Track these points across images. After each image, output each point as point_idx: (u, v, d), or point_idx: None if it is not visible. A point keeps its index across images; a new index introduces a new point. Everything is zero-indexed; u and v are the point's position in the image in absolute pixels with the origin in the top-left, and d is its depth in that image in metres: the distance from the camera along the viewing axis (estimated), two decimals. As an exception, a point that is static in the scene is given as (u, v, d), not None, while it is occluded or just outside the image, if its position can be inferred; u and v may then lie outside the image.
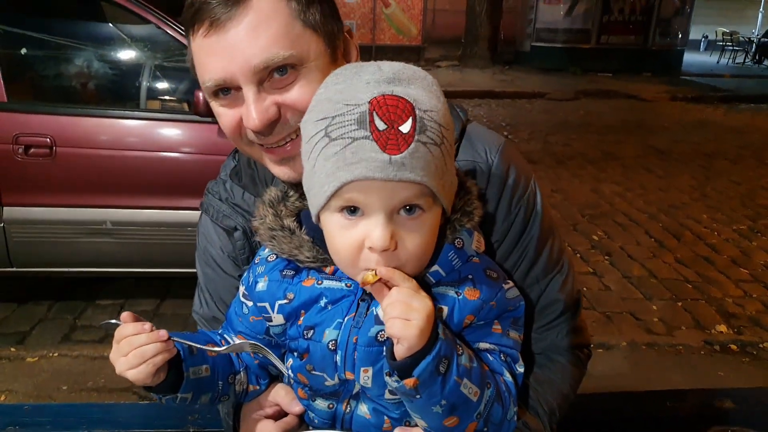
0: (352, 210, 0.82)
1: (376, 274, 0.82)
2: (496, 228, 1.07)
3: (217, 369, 1.02)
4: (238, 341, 1.04)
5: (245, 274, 1.05)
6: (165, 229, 3.34)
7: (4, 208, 3.22)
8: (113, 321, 0.92)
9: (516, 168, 1.10)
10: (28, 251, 3.36)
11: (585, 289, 4.22)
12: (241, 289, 1.05)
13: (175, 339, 0.93)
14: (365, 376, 0.92)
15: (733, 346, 3.51)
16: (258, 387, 1.09)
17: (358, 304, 0.92)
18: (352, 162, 0.78)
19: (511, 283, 0.97)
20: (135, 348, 0.88)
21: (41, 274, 3.57)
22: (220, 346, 1.02)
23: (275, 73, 0.95)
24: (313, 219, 0.90)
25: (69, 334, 3.52)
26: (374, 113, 0.78)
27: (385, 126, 0.78)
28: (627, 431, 1.46)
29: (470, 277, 0.93)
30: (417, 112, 0.80)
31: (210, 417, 1.42)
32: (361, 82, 0.82)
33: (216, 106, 1.03)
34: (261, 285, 0.99)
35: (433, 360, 0.81)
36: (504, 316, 0.96)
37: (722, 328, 3.78)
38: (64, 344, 3.40)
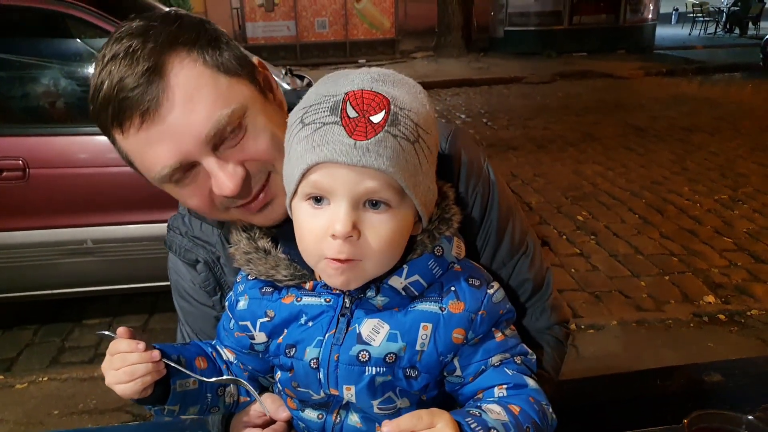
0: (318, 199, 0.83)
1: None
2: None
3: (205, 382, 1.01)
4: (228, 355, 1.06)
5: (228, 294, 1.06)
6: (148, 243, 3.29)
7: (-19, 234, 3.15)
8: (107, 333, 0.93)
9: (467, 154, 1.09)
10: (10, 276, 3.29)
11: (573, 270, 4.24)
12: (226, 305, 1.05)
13: (166, 361, 0.93)
14: (348, 393, 0.91)
15: (722, 316, 3.55)
16: (249, 398, 1.09)
17: (338, 319, 0.91)
18: (319, 144, 0.79)
19: (496, 286, 0.97)
20: (126, 365, 0.88)
21: (25, 298, 3.49)
22: (210, 358, 1.04)
23: (226, 133, 0.93)
24: (288, 211, 0.90)
25: (57, 357, 3.47)
26: (348, 102, 0.79)
27: (356, 114, 0.79)
28: (616, 414, 1.46)
29: (453, 289, 0.91)
30: (392, 107, 0.80)
31: (201, 433, 1.41)
32: (347, 80, 0.83)
33: (176, 191, 0.99)
34: (242, 303, 0.99)
35: None
36: (499, 321, 0.95)
37: (710, 298, 3.82)
38: (53, 367, 3.35)
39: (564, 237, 4.82)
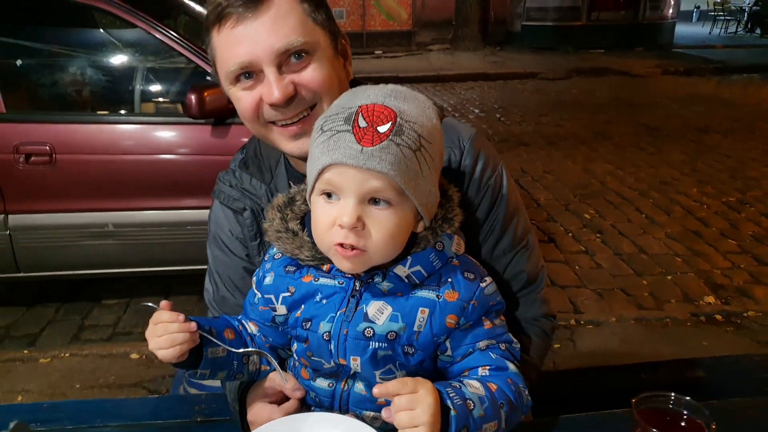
0: (330, 195, 0.97)
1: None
2: (467, 206, 1.20)
3: (233, 352, 1.15)
4: (252, 328, 1.19)
5: (257, 270, 1.19)
6: (165, 228, 3.44)
7: (9, 215, 3.32)
8: (151, 305, 1.07)
9: (485, 154, 1.26)
10: (34, 256, 3.47)
11: (577, 267, 4.33)
12: (254, 280, 1.19)
13: (200, 331, 1.07)
14: (355, 364, 1.05)
15: (719, 317, 3.62)
16: (269, 367, 1.21)
17: (349, 300, 1.05)
18: (333, 149, 0.94)
19: (489, 280, 1.09)
20: (168, 333, 1.02)
21: (48, 277, 3.67)
22: (237, 330, 1.18)
23: (292, 58, 1.14)
24: (309, 204, 1.06)
25: (78, 334, 3.63)
26: (360, 113, 0.94)
27: (366, 124, 0.93)
28: (597, 405, 1.56)
29: (450, 280, 1.05)
30: (399, 119, 0.94)
31: (216, 407, 1.52)
32: (364, 95, 0.98)
33: (236, 92, 1.19)
34: (268, 279, 1.13)
35: None
36: (489, 310, 1.08)
37: (710, 299, 3.89)
38: (74, 344, 3.51)
39: (570, 234, 4.91)
